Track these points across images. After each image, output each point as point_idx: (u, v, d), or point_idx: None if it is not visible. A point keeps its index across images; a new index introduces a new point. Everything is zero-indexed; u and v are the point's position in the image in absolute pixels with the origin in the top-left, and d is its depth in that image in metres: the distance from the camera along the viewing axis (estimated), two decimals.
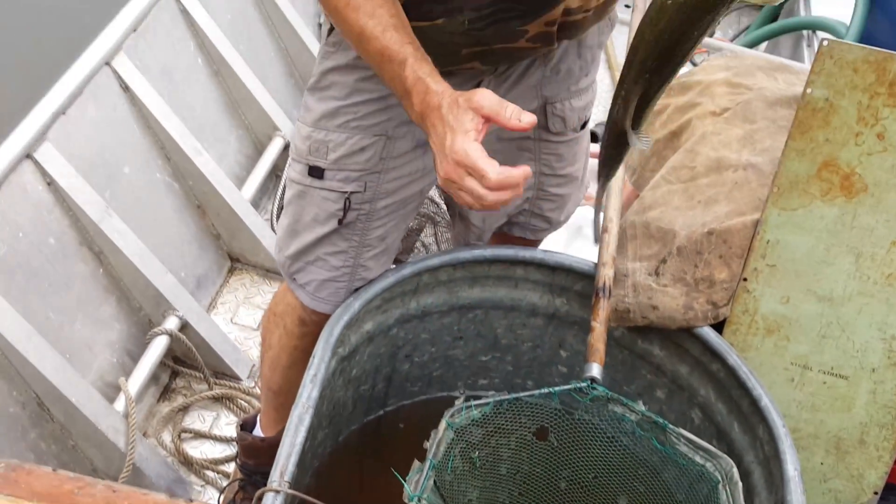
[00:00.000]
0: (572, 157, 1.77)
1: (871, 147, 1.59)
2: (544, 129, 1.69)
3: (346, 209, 1.57)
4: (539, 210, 1.81)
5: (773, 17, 3.38)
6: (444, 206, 2.49)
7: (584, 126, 1.76)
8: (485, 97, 1.21)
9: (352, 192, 1.56)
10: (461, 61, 1.45)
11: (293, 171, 1.61)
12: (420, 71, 1.26)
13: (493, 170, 1.18)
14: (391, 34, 1.28)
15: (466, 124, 1.21)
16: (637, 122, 1.29)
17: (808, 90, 1.60)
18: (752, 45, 3.29)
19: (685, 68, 3.06)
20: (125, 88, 2.31)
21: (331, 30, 1.52)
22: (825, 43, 1.57)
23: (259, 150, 2.78)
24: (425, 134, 1.27)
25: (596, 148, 1.85)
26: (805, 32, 3.10)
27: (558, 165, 1.76)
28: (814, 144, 1.61)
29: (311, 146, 1.56)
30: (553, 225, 1.86)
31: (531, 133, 1.68)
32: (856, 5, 2.80)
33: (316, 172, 1.56)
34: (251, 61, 2.76)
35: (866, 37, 2.76)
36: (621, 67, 1.28)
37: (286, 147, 2.76)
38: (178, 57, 2.54)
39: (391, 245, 1.65)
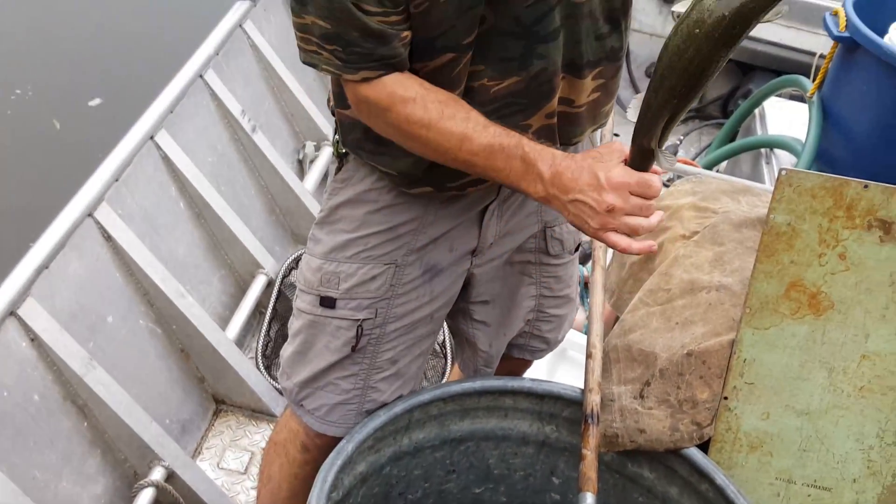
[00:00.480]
0: (569, 278, 1.89)
1: (833, 267, 1.70)
2: (544, 252, 1.80)
3: (358, 336, 1.65)
4: (539, 331, 1.91)
5: (732, 136, 3.55)
6: (442, 337, 2.57)
7: (577, 248, 1.87)
8: (619, 144, 1.39)
9: (364, 319, 1.64)
10: (478, 182, 1.54)
11: (303, 302, 1.68)
12: (539, 145, 1.39)
13: (655, 176, 1.36)
14: (494, 128, 1.40)
15: (613, 159, 1.36)
16: (662, 142, 1.38)
17: (772, 216, 1.71)
18: (714, 163, 3.45)
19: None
20: (108, 238, 2.39)
21: (339, 168, 1.64)
22: (783, 172, 1.69)
23: (242, 289, 2.85)
24: (553, 201, 1.39)
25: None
26: (763, 150, 3.25)
27: (557, 287, 1.86)
28: (780, 266, 1.72)
29: (323, 277, 1.64)
30: (551, 345, 1.97)
31: (532, 257, 1.79)
32: (810, 123, 2.96)
33: (328, 302, 1.65)
34: (233, 201, 2.86)
35: (821, 152, 2.91)
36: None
37: (269, 284, 2.83)
38: (160, 202, 2.64)
39: (403, 370, 1.72)
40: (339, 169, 1.65)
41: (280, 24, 3.41)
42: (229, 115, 2.97)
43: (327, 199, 1.67)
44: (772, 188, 1.70)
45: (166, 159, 2.66)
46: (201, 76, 2.88)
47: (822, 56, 3.72)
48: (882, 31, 2.80)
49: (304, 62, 1.43)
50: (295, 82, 3.33)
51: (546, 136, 1.53)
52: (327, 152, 3.35)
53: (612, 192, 1.33)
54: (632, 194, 1.34)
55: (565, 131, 1.58)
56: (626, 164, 1.37)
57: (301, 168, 3.35)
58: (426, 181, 1.56)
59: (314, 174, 3.28)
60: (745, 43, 3.70)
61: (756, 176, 3.21)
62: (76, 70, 4.47)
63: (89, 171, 2.47)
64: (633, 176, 1.34)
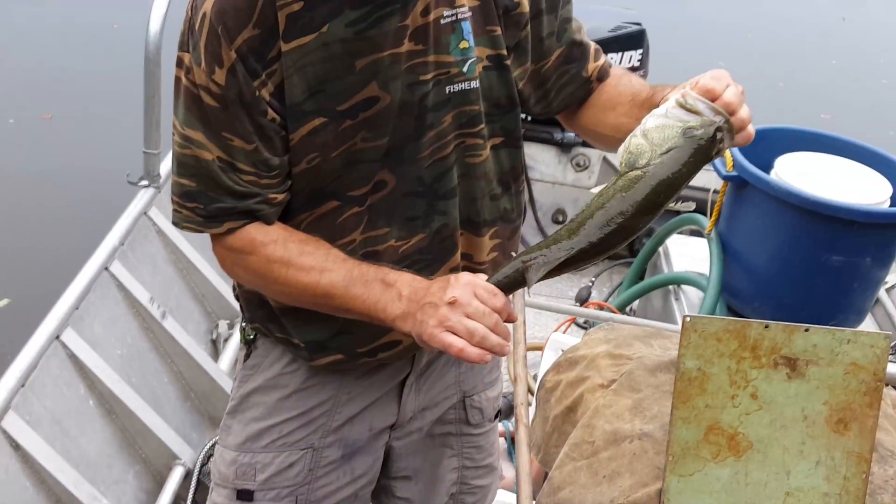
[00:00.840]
0: (490, 446, 1.88)
1: (747, 407, 1.73)
2: (465, 422, 1.80)
3: None
4: None
5: (641, 274, 3.66)
6: None
7: (497, 416, 1.87)
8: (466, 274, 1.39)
9: None
10: (384, 332, 1.54)
11: (219, 496, 1.64)
12: (396, 272, 1.41)
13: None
14: (352, 261, 1.43)
15: (463, 276, 1.37)
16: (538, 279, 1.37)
17: (682, 362, 1.75)
18: (626, 303, 3.53)
19: (573, 339, 3.23)
20: (16, 447, 2.31)
21: (247, 355, 1.63)
22: (688, 319, 1.74)
23: (159, 483, 2.76)
24: (408, 318, 1.37)
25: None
26: (672, 287, 3.35)
27: (479, 457, 1.85)
28: (696, 411, 1.74)
29: (238, 470, 1.61)
30: None
31: (453, 429, 1.77)
32: (711, 258, 3.06)
33: (245, 496, 1.62)
34: (145, 392, 2.80)
35: (726, 285, 3.01)
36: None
37: (187, 475, 2.75)
38: (69, 403, 2.57)
39: None
40: (247, 356, 1.66)
41: None
42: (137, 304, 2.94)
43: (237, 388, 1.66)
44: (678, 327, 1.75)
45: (73, 358, 2.61)
46: (107, 268, 2.86)
47: (715, 192, 3.90)
48: (767, 167, 2.94)
49: (172, 222, 1.49)
50: (204, 263, 3.33)
51: None
52: (239, 329, 3.32)
53: (457, 287, 1.33)
54: (476, 296, 1.32)
55: None
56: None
57: (215, 348, 3.32)
58: (336, 348, 1.57)
59: (229, 353, 3.25)
60: None
61: (667, 313, 3.28)
62: None
63: None
64: (483, 281, 1.35)
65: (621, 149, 1.34)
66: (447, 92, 1.49)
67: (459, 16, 1.47)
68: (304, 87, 1.38)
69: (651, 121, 1.31)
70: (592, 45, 1.67)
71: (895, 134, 6.54)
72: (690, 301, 3.17)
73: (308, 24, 1.37)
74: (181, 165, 1.42)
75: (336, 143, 1.42)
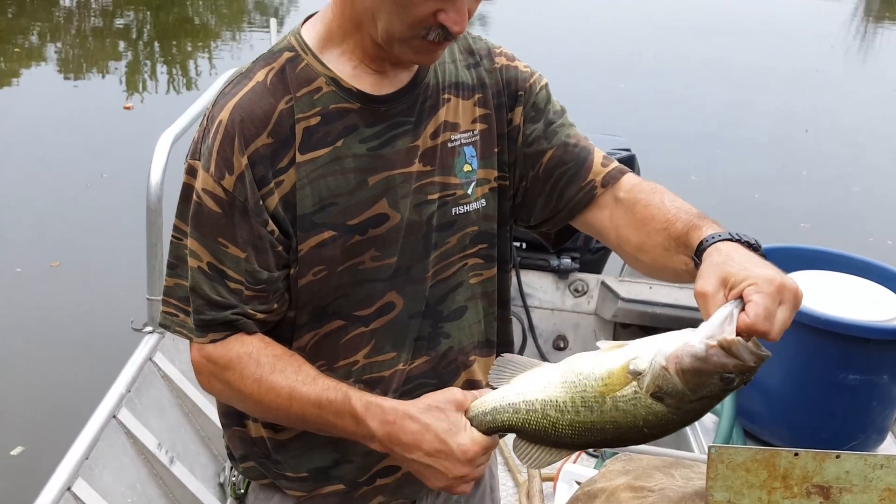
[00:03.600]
0: None
1: None
2: None
3: None
4: None
5: None
6: None
7: None
8: (456, 390, 1.37)
9: None
10: (381, 457, 1.53)
11: None
12: (366, 397, 1.38)
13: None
14: (323, 381, 1.40)
15: (459, 421, 1.33)
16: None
17: (710, 494, 1.71)
18: None
19: (586, 470, 3.16)
20: None
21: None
22: (713, 450, 1.70)
23: None
24: (394, 455, 1.37)
25: None
26: None
27: None
28: None
29: None
30: None
31: None
32: None
33: None
34: None
35: (741, 409, 2.98)
36: None
37: None
38: None
39: None
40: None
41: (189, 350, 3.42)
42: (146, 450, 2.89)
43: None
44: (699, 455, 1.72)
45: None
46: (115, 416, 2.83)
47: None
48: None
49: (160, 324, 1.51)
50: (209, 405, 3.30)
51: None
52: None
53: (465, 465, 1.33)
54: (481, 450, 1.34)
55: None
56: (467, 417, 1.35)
57: (223, 491, 3.24)
58: (338, 478, 1.56)
59: None
60: (644, 308, 3.82)
61: (681, 440, 3.23)
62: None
63: None
64: (483, 445, 1.34)
65: (651, 371, 1.22)
66: (453, 213, 1.53)
67: (464, 140, 1.53)
68: (315, 199, 1.42)
69: (689, 361, 1.19)
70: (598, 152, 1.62)
71: (874, 241, 6.62)
72: (705, 426, 3.11)
73: (323, 138, 1.42)
74: (185, 268, 1.45)
75: (343, 257, 1.45)
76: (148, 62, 11.56)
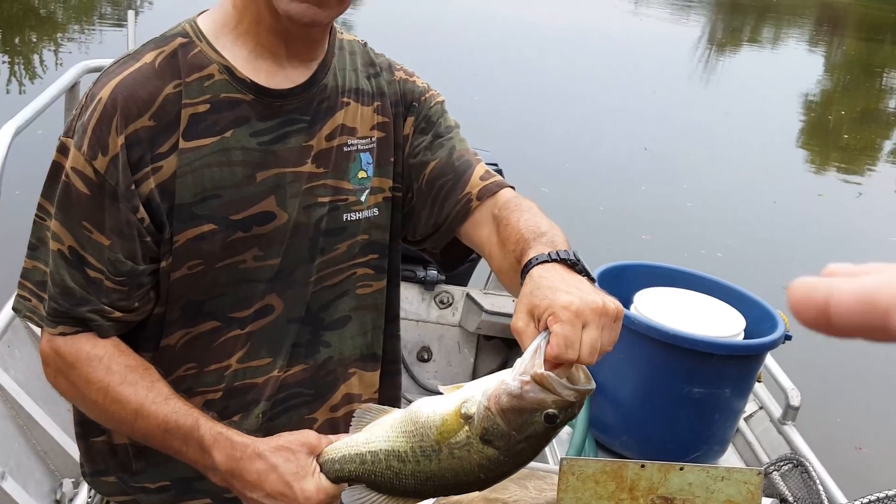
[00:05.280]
0: None
1: None
2: None
3: None
4: None
5: None
6: None
7: None
8: (310, 433, 1.32)
9: None
10: None
11: None
12: (216, 427, 1.33)
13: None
14: (175, 402, 1.35)
15: (309, 466, 1.29)
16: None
17: None
18: None
19: None
20: None
21: None
22: (565, 462, 1.74)
23: None
24: (234, 490, 1.32)
25: None
26: None
27: None
28: None
29: None
30: None
31: None
32: None
33: None
34: None
35: (594, 420, 3.05)
36: None
37: None
38: None
39: None
40: None
41: (27, 358, 3.26)
42: None
43: None
44: (553, 466, 1.75)
45: None
46: None
47: None
48: (627, 301, 3.04)
49: (13, 308, 1.45)
50: (47, 418, 3.15)
51: (331, 431, 1.53)
52: (87, 488, 3.14)
53: (297, 487, 1.29)
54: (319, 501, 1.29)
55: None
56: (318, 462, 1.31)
57: None
58: (202, 491, 1.51)
59: None
60: (507, 320, 3.84)
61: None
62: None
63: None
64: (328, 493, 1.29)
65: (477, 414, 1.18)
66: (343, 219, 1.51)
67: (361, 146, 1.51)
68: (197, 189, 1.38)
69: (506, 400, 1.15)
70: (481, 166, 1.58)
71: (706, 252, 7.00)
72: (559, 438, 3.18)
73: (211, 126, 1.38)
74: (47, 251, 1.39)
75: (223, 253, 1.41)
76: None
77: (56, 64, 10.62)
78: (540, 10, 17.82)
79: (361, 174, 1.51)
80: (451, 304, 4.30)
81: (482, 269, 4.35)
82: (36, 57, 11.17)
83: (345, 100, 1.51)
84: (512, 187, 1.56)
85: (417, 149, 1.57)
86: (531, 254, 1.31)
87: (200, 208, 1.38)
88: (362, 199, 1.52)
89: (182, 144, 1.36)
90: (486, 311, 4.10)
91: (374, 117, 1.54)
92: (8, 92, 9.45)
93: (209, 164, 1.38)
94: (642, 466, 1.74)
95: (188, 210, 1.38)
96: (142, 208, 1.36)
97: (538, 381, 1.13)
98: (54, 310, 1.38)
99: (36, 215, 1.42)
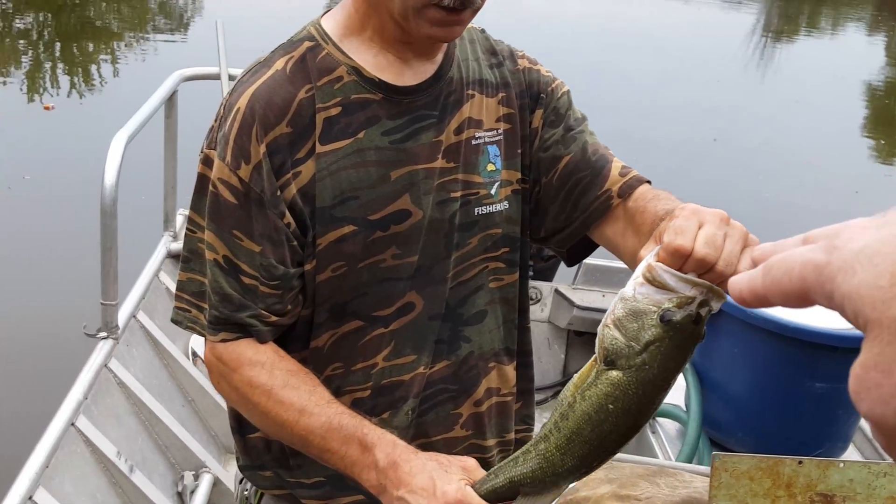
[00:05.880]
0: None
1: None
2: None
3: None
4: None
5: None
6: None
7: None
8: (471, 460, 1.33)
9: None
10: None
11: None
12: (380, 430, 1.36)
13: None
14: (336, 405, 1.38)
15: (456, 475, 1.29)
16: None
17: None
18: None
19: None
20: None
21: None
22: (717, 458, 1.73)
23: None
24: (383, 494, 1.32)
25: None
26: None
27: None
28: None
29: None
30: None
31: None
32: (688, 390, 3.08)
33: None
34: None
35: (706, 417, 3.03)
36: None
37: None
38: None
39: None
40: None
41: (144, 357, 3.35)
42: (105, 458, 2.82)
43: None
44: (677, 463, 1.74)
45: None
46: (73, 424, 2.74)
47: None
48: None
49: (172, 320, 1.48)
50: (166, 413, 3.23)
51: (474, 426, 1.57)
52: (207, 480, 3.22)
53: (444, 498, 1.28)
54: None
55: (497, 423, 1.61)
56: (470, 485, 1.29)
57: (181, 500, 3.18)
58: (354, 488, 1.48)
59: None
60: (599, 316, 3.86)
61: (644, 448, 3.28)
62: None
63: None
64: (467, 499, 1.26)
65: (597, 339, 1.11)
66: (475, 213, 1.51)
67: (488, 139, 1.52)
68: (336, 192, 1.40)
69: (621, 306, 1.07)
70: (617, 161, 1.56)
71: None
72: (668, 434, 3.17)
73: (344, 129, 1.40)
74: (199, 262, 1.44)
75: (364, 254, 1.43)
76: (48, 63, 11.30)
77: (114, 73, 10.82)
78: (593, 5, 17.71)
79: (490, 167, 1.52)
80: (539, 301, 4.29)
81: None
82: (93, 67, 11.39)
83: (470, 92, 1.51)
84: (649, 181, 1.54)
85: (548, 142, 1.56)
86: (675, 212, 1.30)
87: (340, 210, 1.41)
88: (493, 192, 1.52)
89: (319, 149, 1.39)
90: (578, 307, 4.09)
91: (500, 109, 1.54)
92: (69, 96, 9.66)
93: (345, 167, 1.40)
94: (800, 463, 1.73)
95: (328, 213, 1.40)
96: (287, 213, 1.39)
97: (648, 276, 1.05)
98: (215, 317, 1.42)
99: (187, 228, 1.46)
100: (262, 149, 1.36)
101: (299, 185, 1.38)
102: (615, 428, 1.12)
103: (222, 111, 1.41)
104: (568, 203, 1.55)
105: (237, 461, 1.62)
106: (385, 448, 1.34)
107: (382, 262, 1.44)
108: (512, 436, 1.66)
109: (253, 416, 1.46)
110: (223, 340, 1.42)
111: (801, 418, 2.83)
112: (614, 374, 1.09)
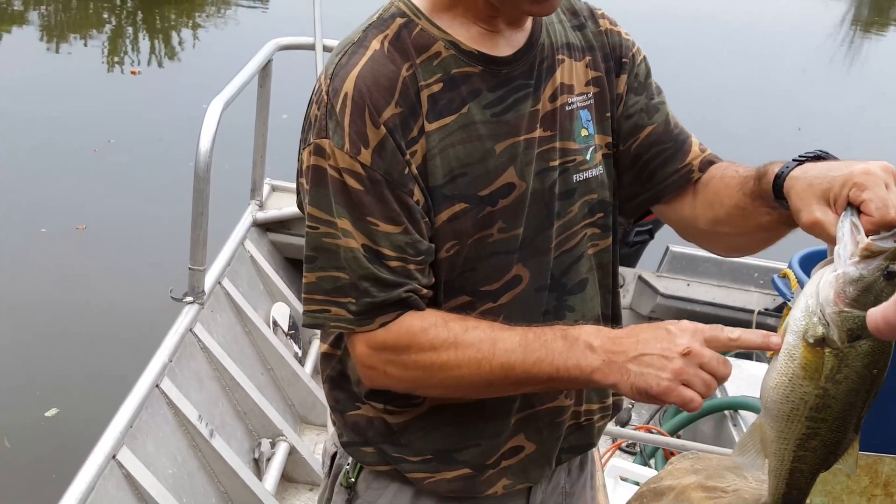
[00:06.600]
0: None
1: None
2: None
3: None
4: None
5: None
6: None
7: None
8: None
9: None
10: (508, 437, 1.52)
11: None
12: (571, 325, 1.36)
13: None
14: (519, 327, 1.36)
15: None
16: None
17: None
18: (675, 430, 3.47)
19: (629, 465, 3.15)
20: None
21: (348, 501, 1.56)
22: None
23: None
24: (611, 372, 1.30)
25: None
26: (727, 413, 3.30)
27: None
28: None
29: None
30: None
31: None
32: None
33: None
34: None
35: None
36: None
37: None
38: None
39: None
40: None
41: (227, 323, 3.41)
42: (187, 421, 2.89)
43: None
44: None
45: (129, 478, 2.55)
46: (157, 385, 2.81)
47: (760, 313, 3.90)
48: None
49: (306, 325, 1.42)
50: (246, 380, 3.29)
51: (577, 394, 1.57)
52: (283, 448, 3.28)
53: (686, 334, 1.28)
54: (707, 343, 1.27)
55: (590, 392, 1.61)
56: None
57: (258, 467, 3.25)
58: (463, 462, 1.52)
59: (272, 474, 3.21)
60: (683, 304, 3.79)
61: (723, 440, 3.24)
62: (31, 379, 4.42)
63: (44, 493, 2.34)
64: (705, 326, 1.28)
65: (833, 325, 1.19)
66: (574, 181, 1.50)
67: (579, 104, 1.50)
68: (446, 170, 1.38)
69: (850, 288, 1.17)
70: (694, 137, 1.59)
71: None
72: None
73: (448, 104, 1.38)
74: (327, 258, 1.37)
75: (473, 230, 1.41)
76: (130, 29, 11.47)
77: (193, 43, 10.95)
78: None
79: (584, 132, 1.50)
80: (622, 286, 4.26)
81: (651, 253, 4.30)
82: (174, 33, 11.54)
83: (560, 57, 1.49)
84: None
85: (632, 109, 1.56)
86: (775, 169, 1.34)
87: (450, 188, 1.39)
88: (588, 157, 1.50)
89: (427, 127, 1.36)
90: (662, 295, 4.06)
91: (588, 72, 1.52)
92: (149, 64, 9.84)
93: (453, 144, 1.38)
94: None
95: (440, 192, 1.38)
96: (416, 189, 1.36)
97: (869, 254, 1.15)
98: (368, 305, 1.37)
99: (307, 226, 1.40)
100: (381, 130, 1.33)
101: (416, 164, 1.36)
102: (878, 387, 1.22)
103: (325, 98, 1.37)
104: (644, 172, 1.57)
105: (339, 437, 1.60)
106: (590, 331, 1.33)
107: (490, 237, 1.42)
108: (610, 400, 1.65)
109: (440, 380, 1.39)
110: (382, 325, 1.37)
111: (892, 416, 2.76)
112: (866, 345, 1.17)
